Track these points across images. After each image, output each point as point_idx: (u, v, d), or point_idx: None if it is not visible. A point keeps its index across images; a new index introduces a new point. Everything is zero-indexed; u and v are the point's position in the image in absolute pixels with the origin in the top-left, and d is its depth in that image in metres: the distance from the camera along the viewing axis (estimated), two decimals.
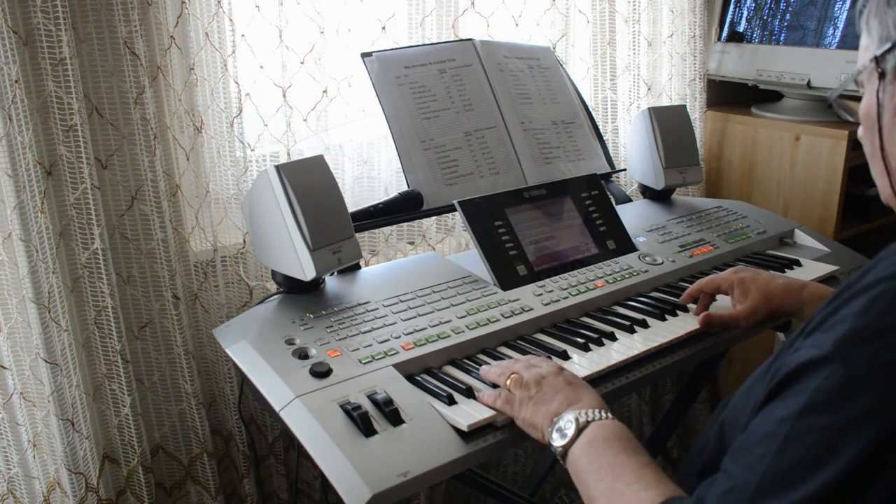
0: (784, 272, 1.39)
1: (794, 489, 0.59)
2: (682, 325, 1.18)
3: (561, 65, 1.66)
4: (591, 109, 1.68)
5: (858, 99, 0.77)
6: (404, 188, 1.37)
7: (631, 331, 1.16)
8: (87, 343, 1.28)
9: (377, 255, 1.59)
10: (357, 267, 1.26)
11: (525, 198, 1.34)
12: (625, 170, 1.78)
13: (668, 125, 1.60)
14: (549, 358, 1.06)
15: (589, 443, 0.82)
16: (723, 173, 2.11)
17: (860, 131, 0.77)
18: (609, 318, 1.21)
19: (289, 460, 1.54)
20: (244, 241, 1.43)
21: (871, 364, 0.59)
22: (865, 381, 0.59)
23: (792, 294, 1.13)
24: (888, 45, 0.70)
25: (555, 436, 0.86)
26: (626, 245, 1.40)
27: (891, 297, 0.61)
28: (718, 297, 1.23)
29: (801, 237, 1.58)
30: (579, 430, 0.83)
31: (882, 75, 0.71)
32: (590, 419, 0.84)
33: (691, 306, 1.23)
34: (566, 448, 0.84)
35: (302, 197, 1.10)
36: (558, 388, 0.92)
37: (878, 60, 0.71)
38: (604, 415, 0.85)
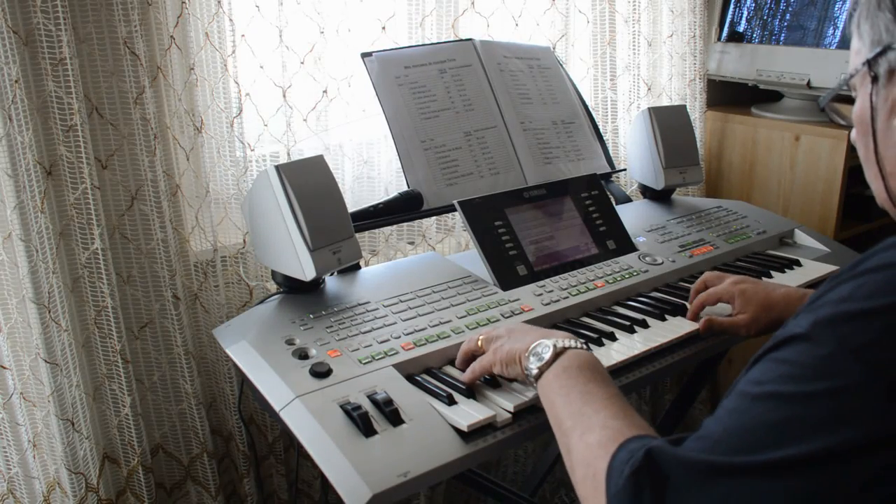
0: (784, 272, 1.40)
1: (754, 451, 0.60)
2: (682, 325, 1.18)
3: (561, 65, 1.66)
4: (591, 109, 1.68)
5: (850, 101, 0.77)
6: (404, 188, 1.37)
7: (631, 331, 1.16)
8: (87, 343, 1.28)
9: (377, 255, 1.58)
10: (357, 267, 1.26)
11: (525, 198, 1.34)
12: (625, 170, 1.78)
13: (668, 125, 1.60)
14: None
15: (564, 368, 0.86)
16: (723, 173, 2.11)
17: (853, 135, 0.78)
18: (609, 318, 1.21)
19: (289, 460, 1.54)
20: (244, 241, 1.43)
21: (841, 346, 0.60)
22: (834, 360, 0.60)
23: (792, 303, 1.14)
24: (879, 49, 0.70)
25: (531, 359, 0.90)
26: (626, 245, 1.40)
27: (873, 286, 0.62)
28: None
29: (801, 237, 1.58)
30: (556, 355, 0.88)
31: (875, 79, 0.71)
32: (566, 346, 0.89)
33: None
34: (541, 370, 0.88)
35: (302, 197, 1.10)
36: (528, 329, 0.98)
37: (871, 64, 0.71)
38: (580, 344, 0.90)
